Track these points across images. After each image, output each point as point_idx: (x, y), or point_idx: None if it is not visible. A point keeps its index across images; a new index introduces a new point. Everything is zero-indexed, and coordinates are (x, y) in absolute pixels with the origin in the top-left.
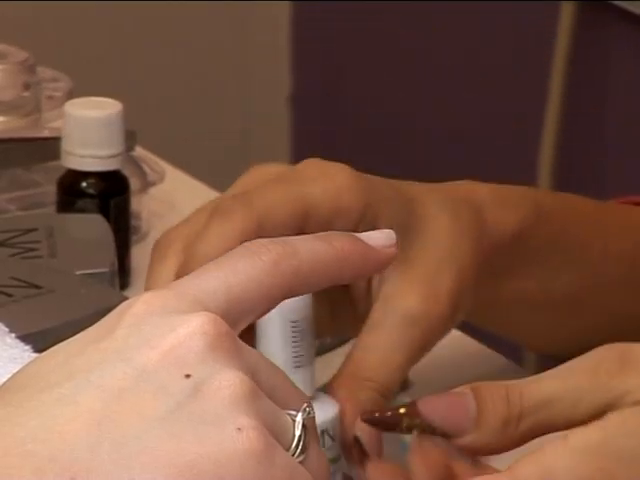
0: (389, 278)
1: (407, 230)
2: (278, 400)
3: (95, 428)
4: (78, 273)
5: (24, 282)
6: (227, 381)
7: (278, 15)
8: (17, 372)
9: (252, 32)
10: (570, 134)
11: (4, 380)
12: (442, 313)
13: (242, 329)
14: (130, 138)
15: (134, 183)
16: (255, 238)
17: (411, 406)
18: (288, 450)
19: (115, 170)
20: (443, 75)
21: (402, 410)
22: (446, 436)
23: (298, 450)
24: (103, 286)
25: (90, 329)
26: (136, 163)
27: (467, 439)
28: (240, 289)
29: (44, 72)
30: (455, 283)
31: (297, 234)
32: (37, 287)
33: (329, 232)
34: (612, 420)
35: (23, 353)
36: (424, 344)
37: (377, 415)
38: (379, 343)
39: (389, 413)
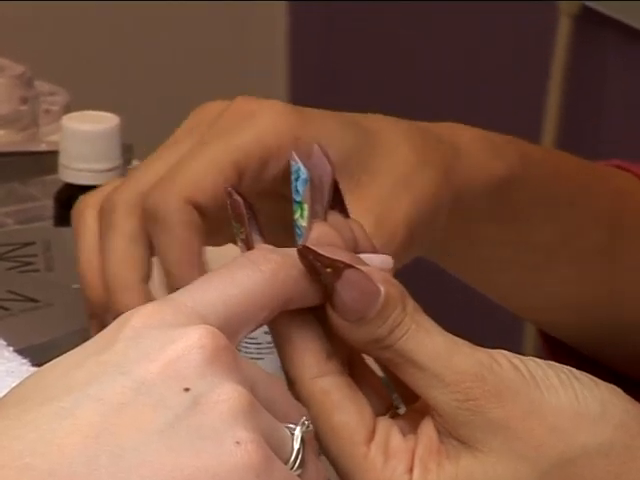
0: None
1: (361, 156)
2: (277, 413)
3: (93, 441)
4: (75, 287)
5: (21, 296)
6: (225, 394)
7: (275, 23)
8: (16, 386)
9: (249, 42)
10: (567, 144)
11: (2, 394)
12: (395, 236)
13: (242, 338)
14: (127, 151)
15: None
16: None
17: (337, 271)
18: (286, 463)
19: None
20: (442, 78)
21: (328, 270)
22: (336, 307)
23: (296, 464)
24: None
25: (89, 342)
26: None
27: (348, 325)
28: (239, 300)
29: (41, 86)
30: (411, 209)
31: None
32: (34, 301)
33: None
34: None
35: (21, 367)
36: None
37: (310, 257)
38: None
39: (318, 263)
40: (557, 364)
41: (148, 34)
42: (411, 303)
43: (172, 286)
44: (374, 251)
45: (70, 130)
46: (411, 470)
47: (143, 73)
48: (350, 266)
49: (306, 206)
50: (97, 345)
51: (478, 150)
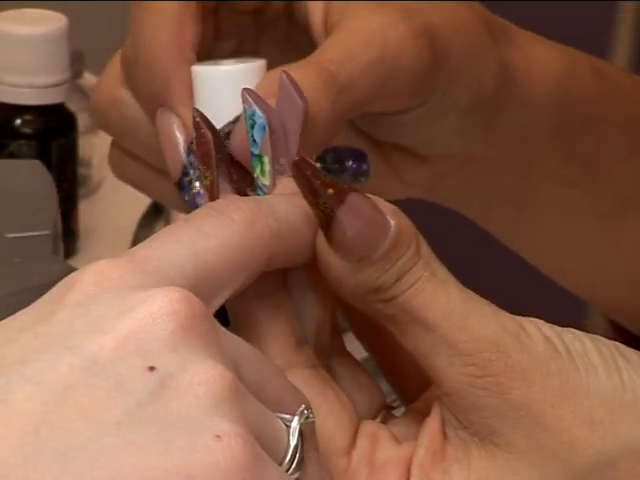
0: (345, 14)
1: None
2: (268, 400)
3: (32, 436)
4: (10, 236)
5: None
6: (202, 375)
7: None
8: None
9: None
10: None
11: None
12: (410, 27)
13: (218, 307)
14: (77, 61)
15: (82, 120)
16: None
17: (340, 194)
18: (281, 464)
19: (58, 104)
20: None
21: (330, 191)
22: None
23: (294, 464)
24: (43, 253)
25: (26, 310)
26: (85, 94)
27: (346, 266)
28: (211, 256)
29: None
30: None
31: None
32: None
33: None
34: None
35: None
36: (391, 57)
37: (309, 172)
38: (343, 42)
39: (318, 181)
40: (601, 337)
41: None
42: (425, 245)
43: (151, 91)
44: None
45: (2, 33)
46: None
47: None
48: (356, 190)
49: (267, 159)
50: (36, 313)
51: (532, 40)
